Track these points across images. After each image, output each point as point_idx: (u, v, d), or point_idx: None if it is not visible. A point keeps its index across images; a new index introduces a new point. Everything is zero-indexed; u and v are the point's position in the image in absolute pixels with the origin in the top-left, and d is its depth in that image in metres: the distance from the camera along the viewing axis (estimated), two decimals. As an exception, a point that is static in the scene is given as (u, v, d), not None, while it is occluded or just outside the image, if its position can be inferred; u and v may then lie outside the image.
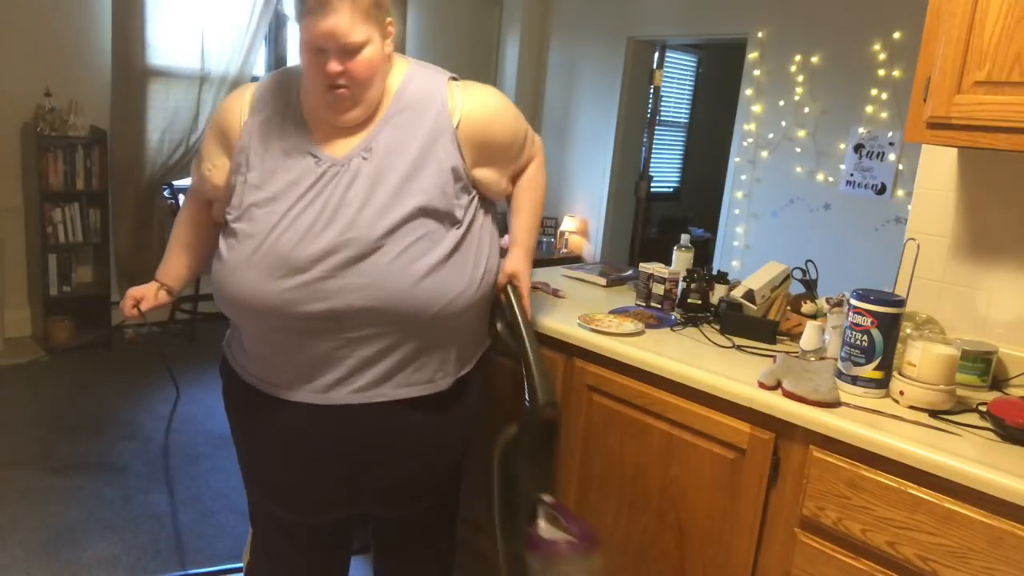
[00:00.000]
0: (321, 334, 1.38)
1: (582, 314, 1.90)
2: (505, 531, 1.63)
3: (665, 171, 7.32)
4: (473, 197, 1.51)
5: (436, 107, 1.46)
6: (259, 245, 1.37)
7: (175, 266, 1.68)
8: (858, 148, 4.35)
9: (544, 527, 1.54)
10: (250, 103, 1.48)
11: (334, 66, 1.34)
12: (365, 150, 1.41)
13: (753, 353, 1.75)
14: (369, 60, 1.37)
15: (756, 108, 4.80)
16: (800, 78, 4.57)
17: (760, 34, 4.74)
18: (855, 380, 1.52)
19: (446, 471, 1.62)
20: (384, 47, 1.41)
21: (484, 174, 1.54)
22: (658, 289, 2.07)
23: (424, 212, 1.40)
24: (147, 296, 1.64)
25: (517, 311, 1.59)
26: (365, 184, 1.39)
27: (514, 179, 1.69)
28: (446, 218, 1.43)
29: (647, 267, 2.12)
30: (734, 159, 4.96)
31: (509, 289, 1.61)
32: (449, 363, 1.51)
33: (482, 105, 1.51)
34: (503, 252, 1.67)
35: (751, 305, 1.89)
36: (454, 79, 1.54)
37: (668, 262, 2.20)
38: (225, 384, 1.59)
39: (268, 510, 1.58)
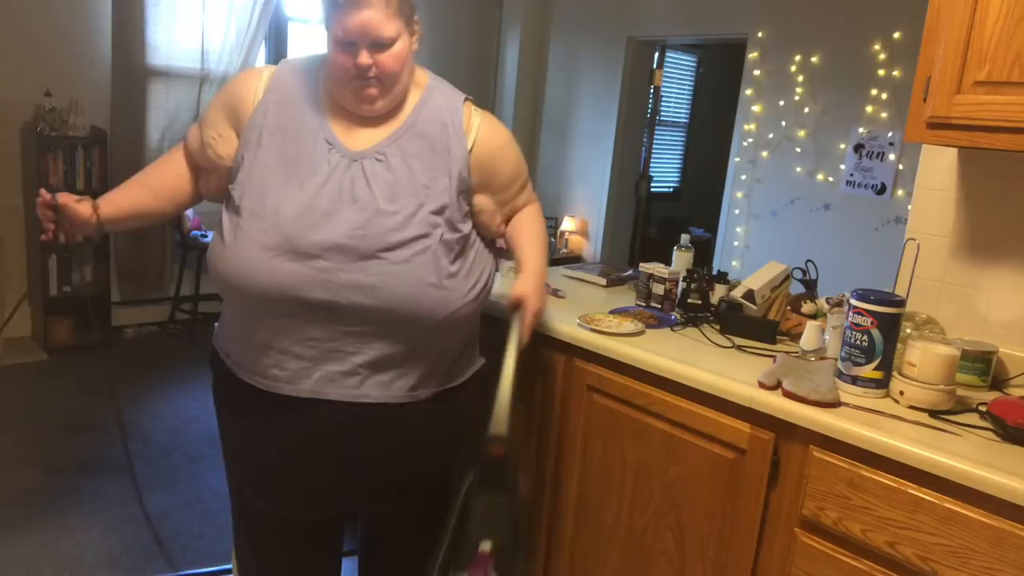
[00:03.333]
0: (314, 323, 1.37)
1: (582, 314, 1.90)
2: (438, 573, 1.50)
3: (665, 171, 7.32)
4: (467, 214, 1.53)
5: (453, 124, 1.49)
6: (267, 225, 1.37)
7: (122, 196, 1.50)
8: (858, 148, 4.35)
9: None
10: (267, 82, 1.49)
11: (365, 59, 1.37)
12: (380, 153, 1.43)
13: (753, 353, 1.75)
14: (398, 55, 1.40)
15: (756, 108, 4.80)
16: (800, 78, 4.57)
17: (760, 34, 4.74)
18: (855, 380, 1.52)
19: (434, 471, 1.62)
20: (412, 44, 1.45)
21: (481, 201, 1.57)
22: (658, 289, 2.08)
23: (436, 221, 1.43)
24: (67, 196, 1.41)
25: (511, 335, 1.51)
26: (382, 186, 1.40)
27: (507, 221, 1.70)
28: (454, 230, 1.46)
29: (647, 267, 2.12)
30: (734, 159, 4.96)
31: (515, 314, 1.56)
32: (436, 374, 1.51)
33: (495, 134, 1.57)
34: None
35: (751, 305, 1.89)
36: (469, 100, 1.57)
37: (668, 262, 2.20)
38: (215, 377, 1.58)
39: (256, 508, 1.57)
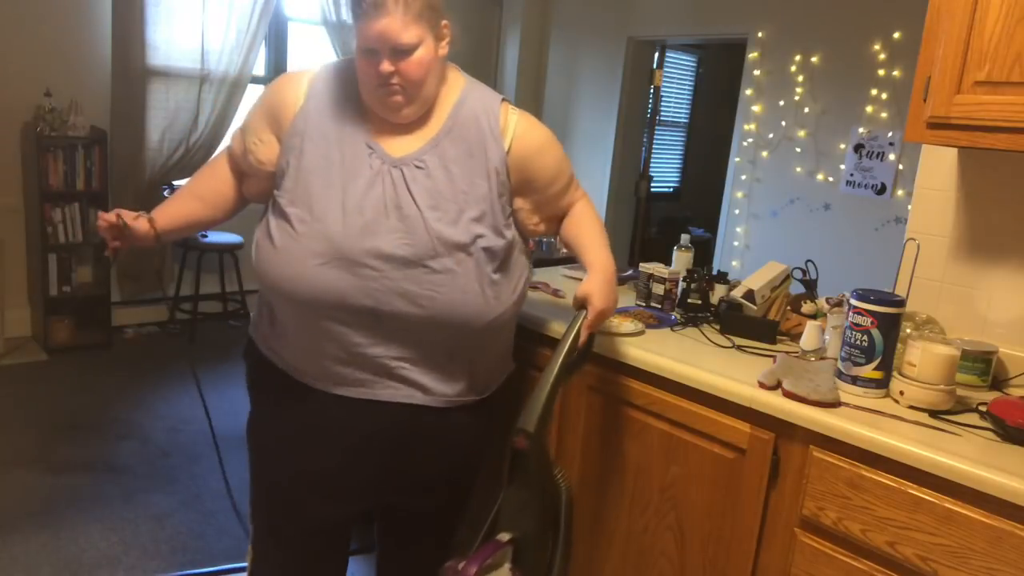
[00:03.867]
0: (359, 329, 1.39)
1: (582, 314, 1.90)
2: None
3: (665, 171, 7.32)
4: (510, 217, 1.53)
5: (490, 126, 1.48)
6: (315, 232, 1.38)
7: (174, 208, 1.58)
8: (858, 148, 4.35)
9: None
10: (307, 88, 1.49)
11: (386, 67, 1.37)
12: (420, 159, 1.44)
13: (753, 353, 1.75)
14: (420, 61, 1.39)
15: (756, 108, 4.80)
16: (800, 78, 4.57)
17: (760, 34, 4.73)
18: (855, 380, 1.52)
19: (462, 473, 1.64)
20: (439, 48, 1.43)
21: (519, 202, 1.56)
22: (658, 289, 2.08)
23: (480, 227, 1.43)
24: (126, 213, 1.48)
25: (569, 332, 1.49)
26: (424, 194, 1.41)
27: (551, 220, 1.66)
28: (498, 235, 1.46)
29: (647, 267, 2.12)
30: (734, 159, 4.96)
31: (579, 312, 1.53)
32: (476, 380, 1.53)
33: (533, 133, 1.54)
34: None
35: (751, 305, 1.89)
36: (506, 100, 1.55)
37: (668, 262, 2.20)
38: (252, 369, 1.59)
39: (282, 503, 1.57)
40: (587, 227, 1.65)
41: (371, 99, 1.44)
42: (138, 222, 1.49)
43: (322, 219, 1.39)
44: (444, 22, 1.44)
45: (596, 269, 1.56)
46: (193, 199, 1.61)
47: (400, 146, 1.45)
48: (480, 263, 1.42)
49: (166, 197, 1.67)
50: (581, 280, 2.39)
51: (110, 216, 1.46)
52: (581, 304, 1.53)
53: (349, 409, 1.45)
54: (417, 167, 1.43)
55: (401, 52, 1.37)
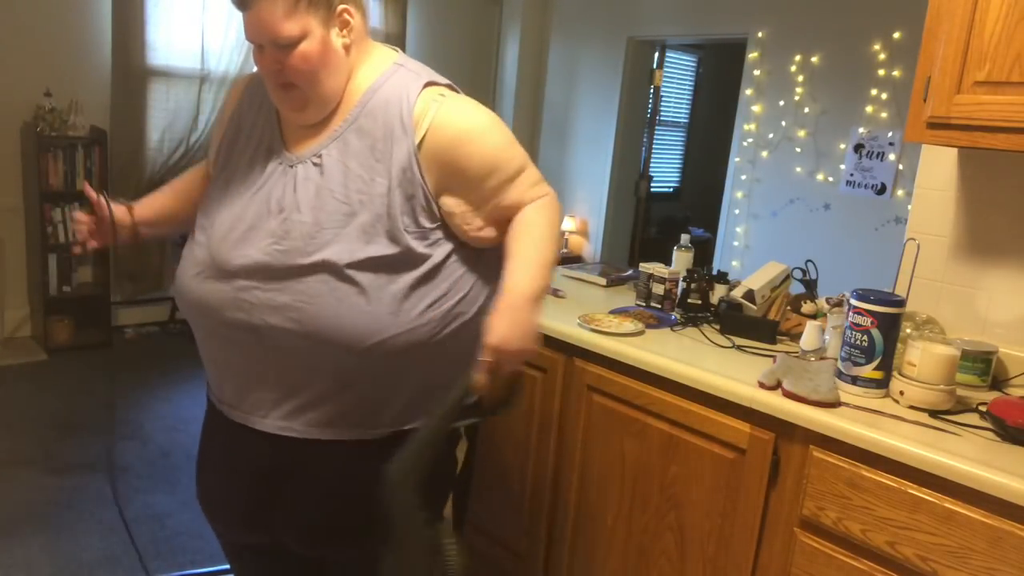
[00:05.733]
0: (237, 345, 1.27)
1: (582, 314, 1.90)
2: None
3: (665, 171, 7.31)
4: (431, 224, 1.29)
5: (402, 114, 1.26)
6: (201, 241, 1.31)
7: (152, 198, 1.53)
8: (858, 148, 4.34)
9: None
10: (240, 94, 1.41)
11: (270, 63, 1.24)
12: (318, 155, 1.27)
13: (753, 353, 1.75)
14: (305, 54, 1.22)
15: (756, 108, 4.79)
16: (800, 78, 4.57)
17: (760, 34, 4.73)
18: (855, 380, 1.52)
19: (363, 525, 1.34)
20: (334, 38, 1.26)
21: (449, 203, 1.29)
22: (658, 289, 2.08)
23: (370, 235, 1.23)
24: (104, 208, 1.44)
25: (464, 379, 1.21)
26: (310, 193, 1.25)
27: (499, 223, 1.34)
28: (393, 243, 1.24)
29: (647, 267, 2.12)
30: (734, 159, 4.96)
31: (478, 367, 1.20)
32: (385, 412, 1.30)
33: (454, 121, 1.28)
34: None
35: (751, 305, 1.89)
36: (434, 85, 1.31)
37: (668, 262, 2.20)
38: None
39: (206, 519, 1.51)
40: (523, 237, 1.30)
41: (273, 99, 1.32)
42: (118, 212, 1.44)
43: (210, 227, 1.30)
44: (343, 7, 1.25)
45: (504, 294, 1.23)
46: (172, 196, 1.55)
47: (304, 143, 1.30)
48: (373, 278, 1.23)
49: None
50: (582, 279, 2.41)
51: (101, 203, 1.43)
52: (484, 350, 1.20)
53: (237, 434, 1.33)
54: (314, 164, 1.26)
55: (283, 46, 1.22)
